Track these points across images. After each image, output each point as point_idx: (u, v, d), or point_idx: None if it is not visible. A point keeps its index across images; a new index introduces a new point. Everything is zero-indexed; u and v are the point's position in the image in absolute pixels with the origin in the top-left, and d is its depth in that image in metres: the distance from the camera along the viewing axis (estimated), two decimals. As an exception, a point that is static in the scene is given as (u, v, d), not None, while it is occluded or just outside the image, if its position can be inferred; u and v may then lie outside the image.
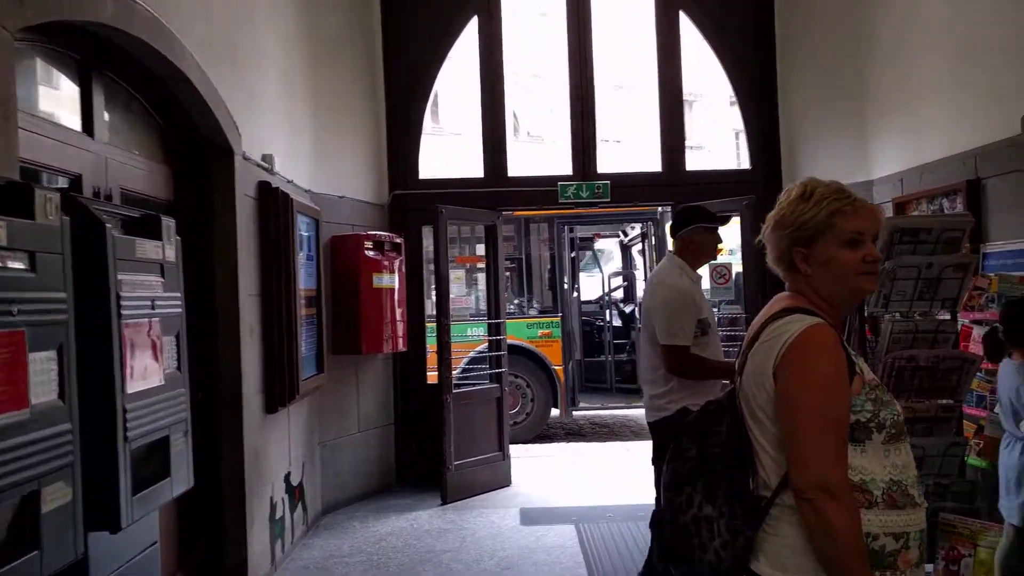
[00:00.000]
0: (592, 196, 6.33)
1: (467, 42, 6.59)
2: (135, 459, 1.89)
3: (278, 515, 4.50)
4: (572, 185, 6.34)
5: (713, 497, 1.62)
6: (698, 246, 3.58)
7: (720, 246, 3.78)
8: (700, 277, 3.69)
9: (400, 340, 5.94)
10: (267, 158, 4.38)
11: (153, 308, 2.05)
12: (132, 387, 1.89)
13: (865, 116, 5.67)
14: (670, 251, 3.75)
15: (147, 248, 2.05)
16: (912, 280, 4.00)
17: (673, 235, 3.66)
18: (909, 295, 3.86)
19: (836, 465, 1.49)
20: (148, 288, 2.03)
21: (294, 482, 4.85)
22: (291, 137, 5.02)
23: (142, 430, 1.93)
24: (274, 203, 4.35)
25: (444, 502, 5.79)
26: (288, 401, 4.46)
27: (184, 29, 3.31)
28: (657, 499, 3.67)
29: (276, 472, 4.52)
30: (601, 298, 10.24)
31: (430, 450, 5.95)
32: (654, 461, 3.67)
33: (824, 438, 1.49)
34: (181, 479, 2.18)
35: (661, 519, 1.70)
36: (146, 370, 1.98)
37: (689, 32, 6.53)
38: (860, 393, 1.58)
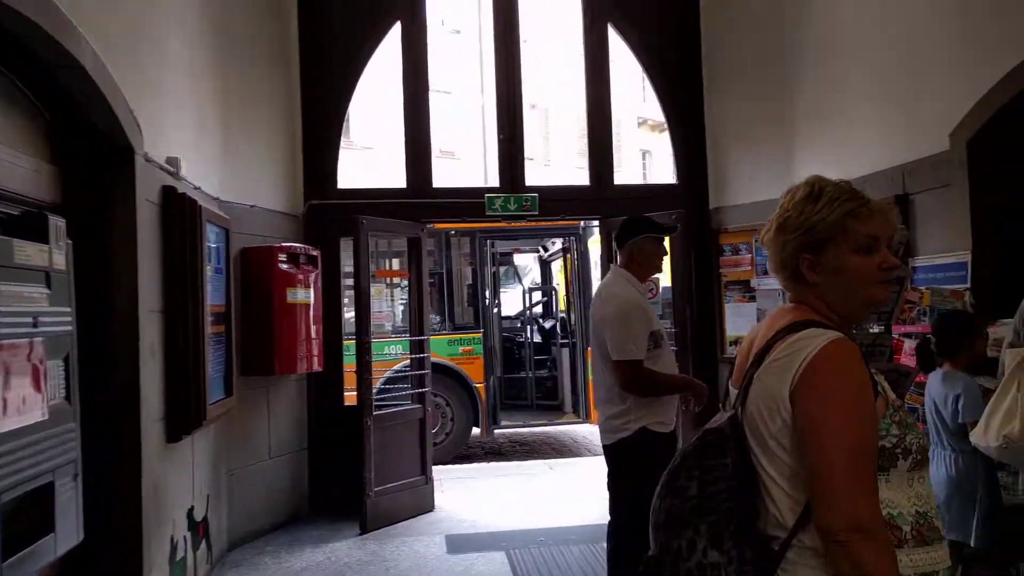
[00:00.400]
0: (520, 209, 6.14)
1: (388, 49, 6.30)
2: (7, 514, 1.52)
3: (179, 556, 4.04)
4: (500, 197, 6.13)
5: (719, 541, 1.42)
6: (646, 256, 3.46)
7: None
8: (647, 289, 3.55)
9: (316, 359, 5.56)
10: (172, 161, 3.96)
11: (35, 325, 1.68)
12: (4, 424, 1.53)
13: (791, 131, 5.73)
14: (615, 264, 3.59)
15: (29, 252, 1.68)
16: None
17: (619, 246, 3.51)
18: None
19: (871, 501, 1.31)
20: (29, 301, 1.67)
21: (198, 517, 4.39)
22: (199, 141, 4.60)
23: (17, 477, 1.56)
24: (180, 210, 3.93)
25: (364, 531, 5.42)
26: (193, 429, 4.03)
27: (77, 11, 2.90)
28: (611, 524, 3.46)
29: (178, 508, 4.06)
30: (522, 314, 10.07)
31: (347, 476, 5.56)
32: (610, 486, 3.47)
33: (856, 470, 1.31)
34: (68, 533, 1.80)
35: (658, 566, 1.47)
36: (24, 402, 1.61)
37: (617, 48, 6.47)
38: (885, 415, 1.41)
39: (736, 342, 6.05)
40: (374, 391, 5.77)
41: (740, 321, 6.06)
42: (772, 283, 5.83)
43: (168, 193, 3.89)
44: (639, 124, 24.40)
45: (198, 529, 4.39)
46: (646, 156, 25.79)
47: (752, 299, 5.98)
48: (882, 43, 4.68)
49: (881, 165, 4.57)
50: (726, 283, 6.18)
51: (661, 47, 6.37)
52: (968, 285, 3.89)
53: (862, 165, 4.80)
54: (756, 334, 1.59)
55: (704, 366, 5.82)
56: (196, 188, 4.32)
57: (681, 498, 1.46)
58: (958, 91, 4.01)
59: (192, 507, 4.28)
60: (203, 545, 4.48)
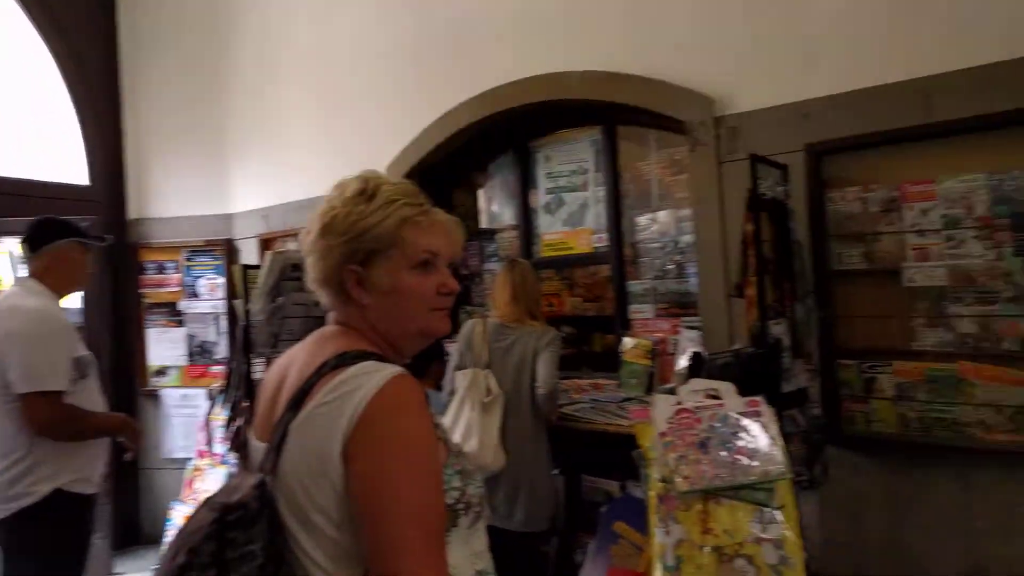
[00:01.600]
0: None
1: None
2: None
3: None
4: None
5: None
6: (70, 265, 2.75)
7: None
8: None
9: None
10: None
11: None
12: None
13: (226, 147, 5.41)
14: (21, 276, 2.71)
15: None
16: (300, 318, 3.88)
17: (33, 251, 2.66)
18: (298, 334, 3.73)
19: None
20: None
21: None
22: None
23: None
24: None
25: None
26: None
27: None
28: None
29: None
30: None
31: None
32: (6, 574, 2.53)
33: (432, 547, 1.05)
34: None
35: None
36: None
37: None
38: (447, 464, 1.19)
39: (162, 372, 5.36)
40: None
41: (164, 349, 5.40)
42: (202, 306, 5.36)
43: None
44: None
45: None
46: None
47: (180, 323, 5.39)
48: (319, 80, 4.85)
49: (314, 193, 4.66)
50: (149, 305, 5.44)
51: (75, 41, 5.30)
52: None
53: (299, 190, 4.84)
54: (288, 368, 1.23)
55: (124, 403, 4.98)
56: None
57: None
58: (399, 130, 4.33)
59: None
60: None
